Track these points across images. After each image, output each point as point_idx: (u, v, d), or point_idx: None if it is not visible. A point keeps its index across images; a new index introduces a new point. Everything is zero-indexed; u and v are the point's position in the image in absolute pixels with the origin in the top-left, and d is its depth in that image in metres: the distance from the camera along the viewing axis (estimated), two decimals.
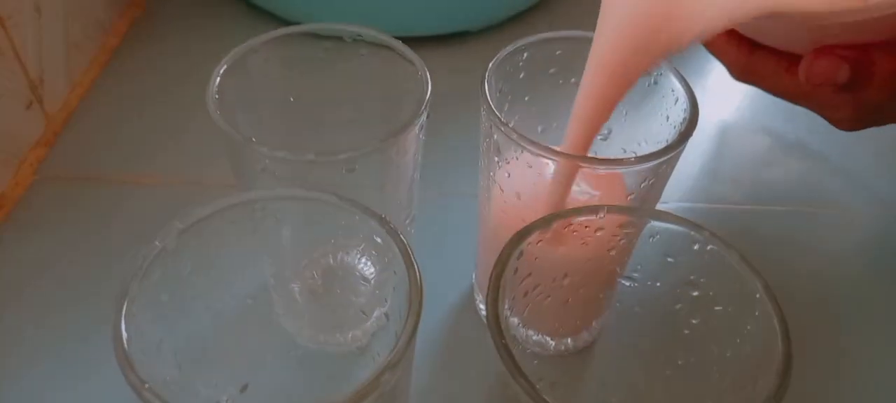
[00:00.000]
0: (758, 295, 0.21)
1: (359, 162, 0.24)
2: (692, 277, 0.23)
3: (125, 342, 0.18)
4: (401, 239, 0.21)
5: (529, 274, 0.23)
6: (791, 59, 0.27)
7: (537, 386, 0.18)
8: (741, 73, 0.29)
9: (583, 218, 0.23)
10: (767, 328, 0.20)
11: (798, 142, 0.46)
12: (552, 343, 0.31)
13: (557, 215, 0.22)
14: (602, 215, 0.23)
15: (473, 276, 0.36)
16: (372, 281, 0.27)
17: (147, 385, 0.17)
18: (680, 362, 0.24)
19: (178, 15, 0.54)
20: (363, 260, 0.27)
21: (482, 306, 0.35)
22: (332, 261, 0.29)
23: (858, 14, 0.20)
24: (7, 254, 0.37)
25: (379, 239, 0.22)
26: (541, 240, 0.22)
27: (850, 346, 0.35)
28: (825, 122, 0.30)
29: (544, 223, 0.22)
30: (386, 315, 0.24)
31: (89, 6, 0.48)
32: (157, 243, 0.20)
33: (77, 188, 0.41)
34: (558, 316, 0.28)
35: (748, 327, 0.21)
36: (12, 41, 0.39)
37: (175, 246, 0.21)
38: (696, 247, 0.22)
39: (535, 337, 0.31)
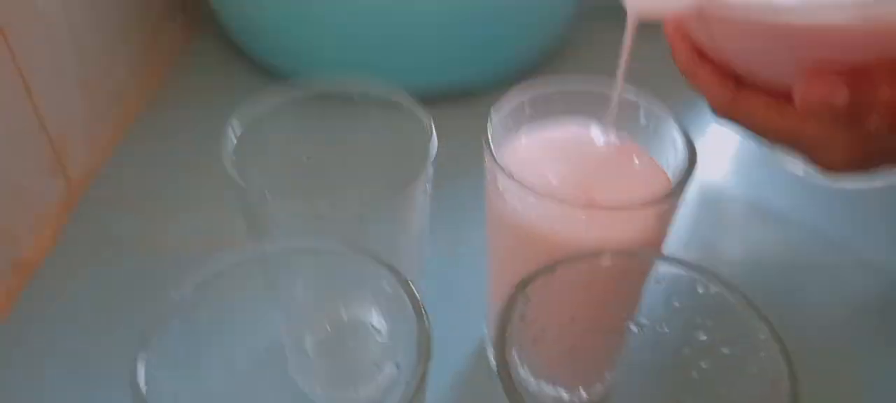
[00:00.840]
0: (762, 337, 0.21)
1: (368, 215, 0.25)
2: (698, 320, 0.23)
3: (144, 393, 0.19)
4: (410, 288, 0.22)
5: (535, 320, 0.23)
6: (778, 97, 0.26)
7: None
8: (725, 110, 0.28)
9: (586, 262, 0.23)
10: (774, 368, 0.20)
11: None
12: (566, 396, 0.31)
13: (562, 260, 0.23)
14: (606, 260, 0.23)
15: (484, 328, 0.37)
16: (383, 333, 0.27)
17: None
18: None
19: (197, 83, 0.56)
20: (375, 312, 0.28)
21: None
22: (343, 315, 0.30)
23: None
24: (30, 318, 0.37)
25: (389, 289, 0.22)
26: (545, 286, 0.23)
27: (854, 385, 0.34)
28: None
29: (548, 269, 0.22)
30: (397, 365, 0.24)
31: (110, 74, 0.50)
32: (173, 295, 0.21)
33: (98, 253, 0.41)
34: (569, 364, 0.28)
35: (754, 369, 0.21)
36: (36, 106, 0.41)
37: (191, 299, 0.22)
38: (700, 290, 0.23)
39: (549, 390, 0.31)
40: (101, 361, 0.35)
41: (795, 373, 0.20)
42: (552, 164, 0.29)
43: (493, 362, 0.35)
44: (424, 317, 0.21)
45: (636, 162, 0.29)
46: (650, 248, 0.26)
